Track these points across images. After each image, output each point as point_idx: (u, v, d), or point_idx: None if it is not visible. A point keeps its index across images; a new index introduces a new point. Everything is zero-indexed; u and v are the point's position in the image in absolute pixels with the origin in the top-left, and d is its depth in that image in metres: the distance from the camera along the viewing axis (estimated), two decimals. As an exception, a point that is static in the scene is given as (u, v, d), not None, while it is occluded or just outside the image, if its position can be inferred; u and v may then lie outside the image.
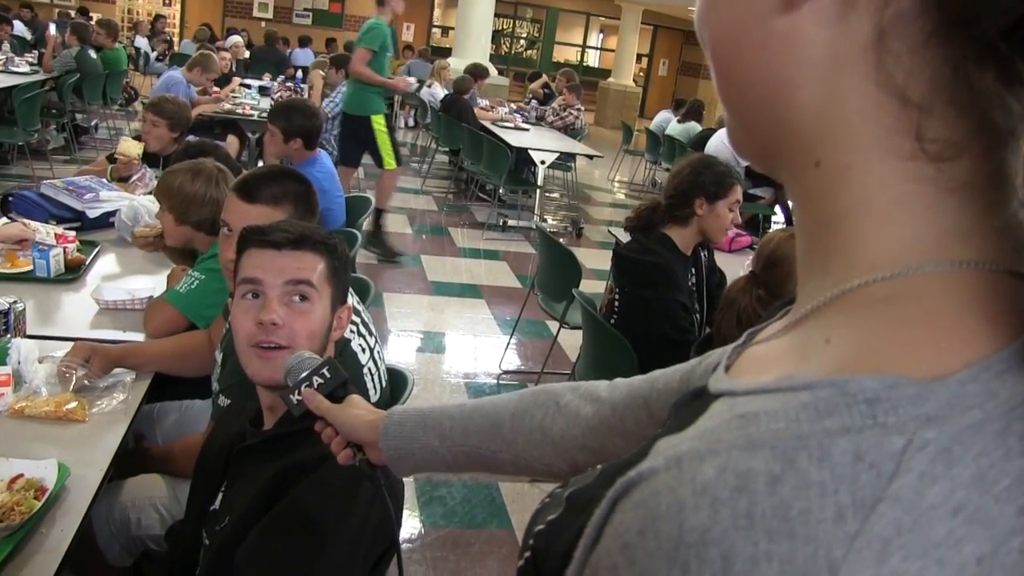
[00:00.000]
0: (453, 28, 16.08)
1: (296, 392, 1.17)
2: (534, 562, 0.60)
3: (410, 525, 3.20)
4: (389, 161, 6.55)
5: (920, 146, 0.41)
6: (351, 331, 2.10)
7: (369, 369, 2.13)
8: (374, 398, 2.14)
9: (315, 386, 1.16)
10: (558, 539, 0.54)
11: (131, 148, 4.26)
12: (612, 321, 3.18)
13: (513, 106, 11.21)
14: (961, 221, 0.41)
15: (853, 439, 0.37)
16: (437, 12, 21.48)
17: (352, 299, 2.19)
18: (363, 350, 2.13)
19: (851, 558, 0.34)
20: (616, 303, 3.18)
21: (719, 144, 9.22)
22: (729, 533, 0.36)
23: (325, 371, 1.17)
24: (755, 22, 0.45)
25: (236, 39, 12.62)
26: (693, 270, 3.16)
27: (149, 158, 4.36)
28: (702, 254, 3.22)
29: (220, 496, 1.67)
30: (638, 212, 3.20)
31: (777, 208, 8.28)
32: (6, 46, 9.73)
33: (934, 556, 0.34)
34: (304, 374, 1.18)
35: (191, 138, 4.25)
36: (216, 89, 7.82)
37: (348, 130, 6.63)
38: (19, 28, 11.35)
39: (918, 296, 0.42)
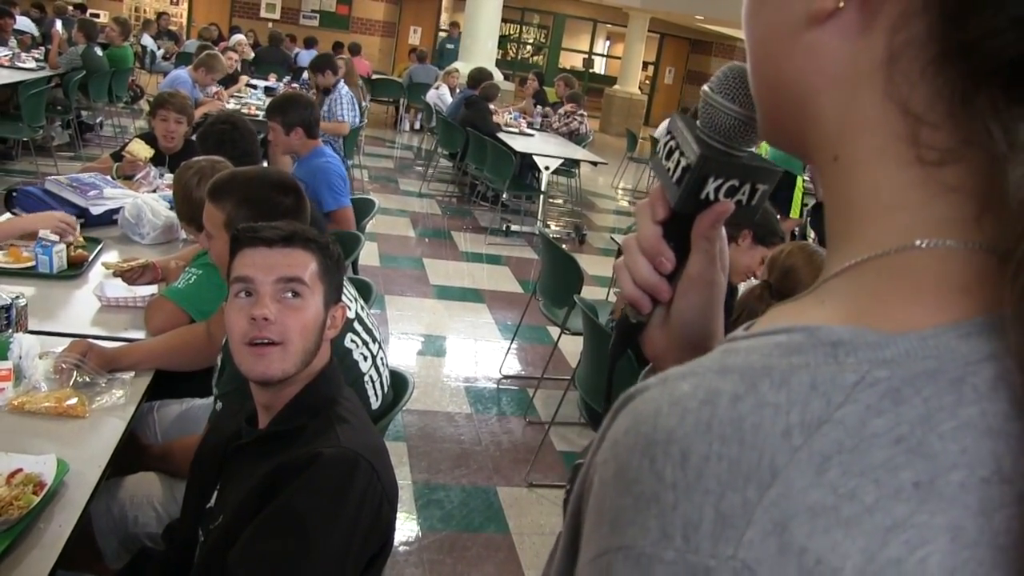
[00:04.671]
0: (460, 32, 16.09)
1: (709, 182, 0.66)
2: (572, 491, 0.65)
3: (407, 528, 3.20)
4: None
5: (918, 152, 0.46)
6: (352, 342, 2.10)
7: (371, 377, 2.14)
8: (375, 405, 2.15)
9: (730, 198, 0.67)
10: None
11: (140, 150, 4.26)
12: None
13: (517, 112, 11.19)
14: (959, 215, 0.45)
15: (811, 372, 0.42)
16: (444, 16, 21.49)
17: (355, 305, 2.19)
18: (364, 359, 2.13)
19: (791, 466, 0.39)
20: None
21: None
22: (690, 435, 0.41)
23: (750, 188, 0.67)
24: (786, 32, 0.51)
25: (240, 37, 12.57)
26: None
27: (155, 157, 4.37)
28: None
29: (216, 494, 1.68)
30: None
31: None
32: (12, 42, 9.74)
33: (871, 476, 0.38)
34: (740, 160, 0.66)
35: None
36: (221, 89, 7.80)
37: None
38: (23, 23, 11.36)
39: (903, 268, 0.46)
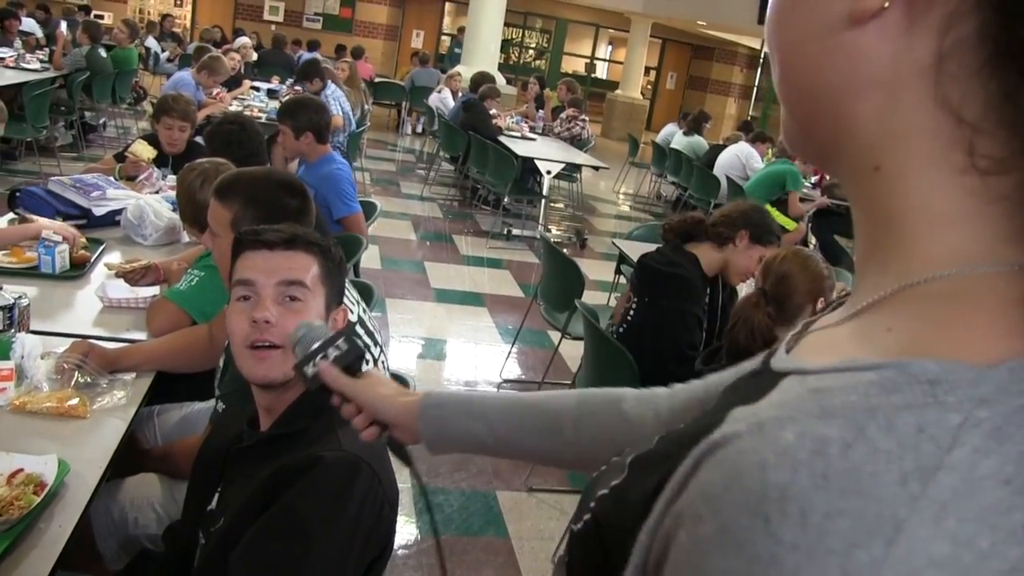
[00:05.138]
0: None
1: (311, 364, 1.09)
2: (595, 523, 0.63)
3: (407, 532, 3.20)
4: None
5: (971, 160, 0.44)
6: None
7: None
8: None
9: (331, 359, 1.09)
10: (625, 500, 0.57)
11: (143, 151, 4.26)
12: (622, 330, 3.19)
13: (519, 116, 11.20)
14: (1011, 228, 0.45)
15: (915, 413, 0.41)
16: (447, 20, 21.52)
17: (358, 308, 2.19)
18: (366, 362, 2.13)
19: (913, 518, 0.38)
20: (631, 313, 3.19)
21: (731, 158, 9.24)
22: (807, 491, 0.39)
23: (341, 342, 1.10)
24: (823, 34, 0.49)
25: (244, 40, 12.59)
26: (709, 291, 3.17)
27: (158, 158, 4.38)
28: (720, 281, 3.23)
29: (217, 496, 1.68)
30: (681, 220, 3.23)
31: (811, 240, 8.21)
32: (18, 43, 9.76)
33: (986, 520, 0.38)
34: (317, 344, 1.10)
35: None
36: (220, 91, 7.81)
37: None
38: (28, 24, 11.39)
39: (972, 293, 0.45)
